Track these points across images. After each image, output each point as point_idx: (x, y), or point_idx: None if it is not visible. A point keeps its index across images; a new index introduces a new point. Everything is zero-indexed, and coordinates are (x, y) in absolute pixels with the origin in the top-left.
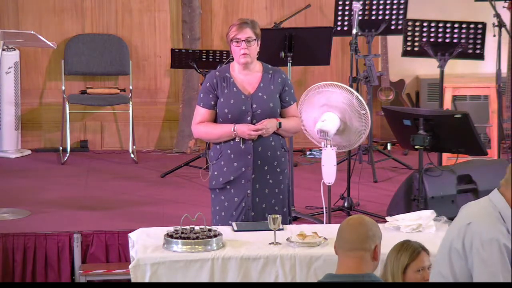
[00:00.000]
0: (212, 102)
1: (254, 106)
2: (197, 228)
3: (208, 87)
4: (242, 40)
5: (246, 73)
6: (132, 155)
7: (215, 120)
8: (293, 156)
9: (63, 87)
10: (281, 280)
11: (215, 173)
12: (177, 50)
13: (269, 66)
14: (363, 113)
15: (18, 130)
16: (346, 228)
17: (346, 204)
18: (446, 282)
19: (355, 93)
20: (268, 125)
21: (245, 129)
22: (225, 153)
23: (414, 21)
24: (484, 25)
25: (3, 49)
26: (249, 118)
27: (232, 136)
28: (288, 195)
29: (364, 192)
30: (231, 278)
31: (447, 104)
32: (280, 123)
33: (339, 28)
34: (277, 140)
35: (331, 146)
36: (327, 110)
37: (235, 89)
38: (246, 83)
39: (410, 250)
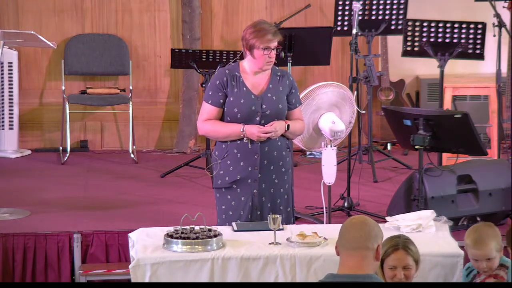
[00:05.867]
0: (221, 101)
1: (264, 106)
2: (197, 228)
3: (218, 84)
4: (272, 49)
5: (257, 74)
6: (132, 155)
7: (222, 118)
8: (293, 156)
9: (63, 87)
10: (281, 280)
11: (221, 172)
12: (177, 50)
13: (277, 68)
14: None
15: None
16: (350, 227)
17: (346, 204)
18: None
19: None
20: (278, 127)
21: (254, 131)
22: (231, 152)
23: (414, 21)
24: (484, 25)
25: (9, 48)
26: (258, 119)
27: (241, 136)
28: (292, 195)
29: (364, 192)
30: (231, 278)
31: (447, 104)
32: (288, 126)
33: (339, 28)
34: (282, 140)
35: (331, 146)
36: (319, 113)
37: (244, 88)
38: (256, 84)
39: (388, 245)
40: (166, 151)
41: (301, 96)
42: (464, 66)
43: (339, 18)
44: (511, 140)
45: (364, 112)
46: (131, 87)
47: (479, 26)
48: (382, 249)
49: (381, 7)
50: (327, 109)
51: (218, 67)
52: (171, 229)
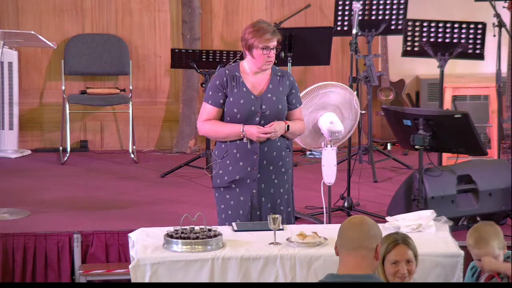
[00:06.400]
0: (221, 101)
1: (264, 107)
2: (197, 228)
3: (218, 85)
4: (271, 49)
5: (257, 74)
6: (132, 155)
7: (222, 118)
8: (293, 156)
9: (63, 87)
10: (281, 280)
11: (220, 171)
12: (177, 50)
13: (277, 68)
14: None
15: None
16: (349, 227)
17: (346, 204)
18: None
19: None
20: (277, 127)
21: (254, 131)
22: (230, 152)
23: (414, 21)
24: (484, 25)
25: (9, 48)
26: (257, 119)
27: (240, 136)
28: (292, 195)
29: (364, 192)
30: (231, 278)
31: (447, 104)
32: (288, 126)
33: (339, 28)
34: (282, 140)
35: (331, 146)
36: (321, 112)
37: (244, 89)
38: (256, 84)
39: (388, 241)
40: (166, 151)
41: (301, 96)
42: (464, 66)
43: (339, 18)
44: (511, 140)
45: (364, 112)
46: (131, 87)
47: (479, 26)
48: (382, 247)
49: (381, 7)
50: (329, 110)
51: (218, 67)
52: (171, 229)
